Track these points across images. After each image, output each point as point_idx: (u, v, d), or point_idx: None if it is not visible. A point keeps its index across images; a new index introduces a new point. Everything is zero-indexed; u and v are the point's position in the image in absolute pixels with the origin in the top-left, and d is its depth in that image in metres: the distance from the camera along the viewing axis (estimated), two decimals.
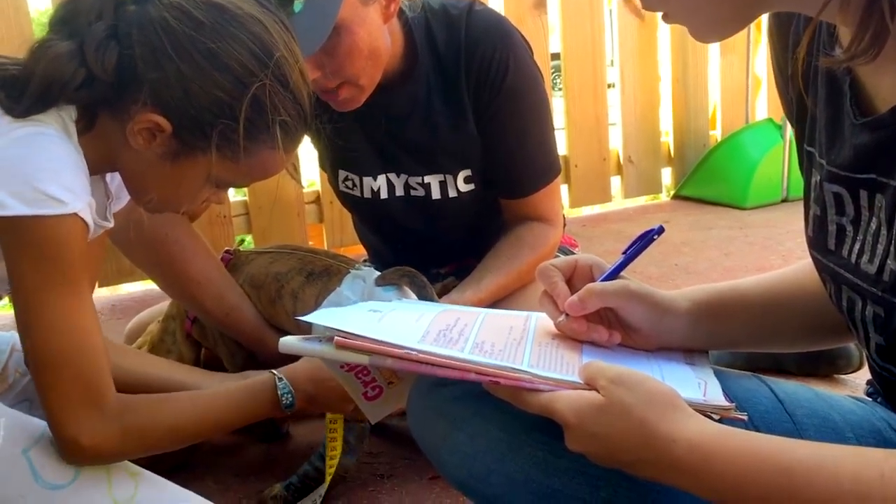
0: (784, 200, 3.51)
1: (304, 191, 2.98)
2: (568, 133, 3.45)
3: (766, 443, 0.68)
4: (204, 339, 1.55)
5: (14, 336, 1.20)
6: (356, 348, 0.79)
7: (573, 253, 1.75)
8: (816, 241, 0.82)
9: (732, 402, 0.76)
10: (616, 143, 3.65)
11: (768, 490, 0.65)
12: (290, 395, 1.13)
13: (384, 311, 1.00)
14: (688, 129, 3.79)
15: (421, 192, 1.59)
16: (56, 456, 0.98)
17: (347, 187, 1.65)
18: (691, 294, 0.93)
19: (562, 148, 3.33)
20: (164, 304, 1.72)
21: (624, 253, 0.91)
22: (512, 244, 1.54)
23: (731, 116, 3.78)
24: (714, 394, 0.78)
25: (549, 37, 3.35)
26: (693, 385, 0.80)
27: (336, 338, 0.80)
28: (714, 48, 3.75)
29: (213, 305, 1.49)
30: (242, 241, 1.68)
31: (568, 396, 0.72)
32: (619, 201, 3.69)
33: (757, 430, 0.85)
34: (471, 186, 1.58)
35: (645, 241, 0.90)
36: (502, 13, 1.76)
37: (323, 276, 1.41)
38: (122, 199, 1.18)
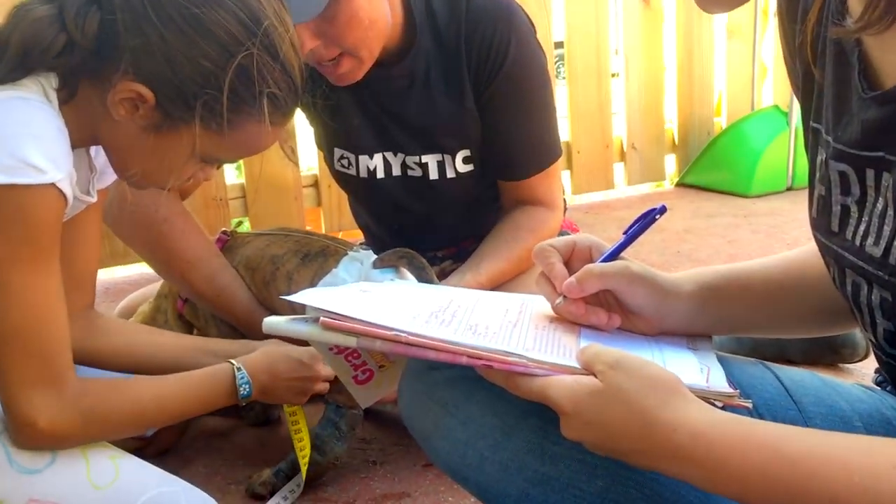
0: (789, 189, 3.48)
1: (302, 174, 2.94)
2: (571, 119, 3.41)
3: (773, 431, 0.65)
4: (195, 319, 1.52)
5: None
6: (344, 329, 0.75)
7: None
8: (820, 223, 0.79)
9: (736, 388, 0.72)
10: (619, 129, 3.61)
11: (774, 481, 0.62)
12: (247, 386, 1.11)
13: (375, 291, 0.96)
14: (692, 116, 3.75)
15: (418, 172, 1.55)
16: None
17: (343, 166, 1.61)
18: (694, 276, 0.89)
19: (565, 134, 3.29)
20: (156, 285, 1.69)
21: (625, 233, 0.87)
22: (511, 228, 1.51)
23: (736, 104, 3.74)
24: (717, 380, 0.75)
25: (552, 23, 3.31)
26: (696, 371, 0.76)
27: (322, 318, 0.76)
28: (720, 35, 3.71)
29: (204, 286, 1.45)
30: (240, 223, 1.66)
31: (563, 382, 0.69)
32: (621, 188, 3.66)
33: (762, 417, 0.82)
34: (469, 167, 1.54)
35: (647, 220, 0.87)
36: None
37: (319, 257, 1.37)
38: (108, 174, 1.14)
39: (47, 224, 0.92)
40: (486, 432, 0.82)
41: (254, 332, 1.45)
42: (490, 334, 0.76)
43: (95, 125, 1.00)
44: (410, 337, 0.73)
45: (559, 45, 3.48)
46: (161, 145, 0.99)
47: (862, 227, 0.72)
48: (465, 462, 0.84)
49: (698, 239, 2.82)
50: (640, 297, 0.85)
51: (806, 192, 0.84)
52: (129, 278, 2.72)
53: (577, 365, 0.71)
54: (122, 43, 0.93)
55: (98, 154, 1.10)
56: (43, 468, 0.96)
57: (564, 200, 1.68)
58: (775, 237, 2.81)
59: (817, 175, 0.80)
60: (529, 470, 0.80)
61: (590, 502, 0.77)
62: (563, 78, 3.50)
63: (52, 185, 0.90)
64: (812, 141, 0.81)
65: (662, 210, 0.87)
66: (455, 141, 1.52)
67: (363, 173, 1.58)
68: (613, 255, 0.86)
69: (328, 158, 1.65)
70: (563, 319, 0.85)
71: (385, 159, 1.56)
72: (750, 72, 3.71)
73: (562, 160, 1.61)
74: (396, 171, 1.57)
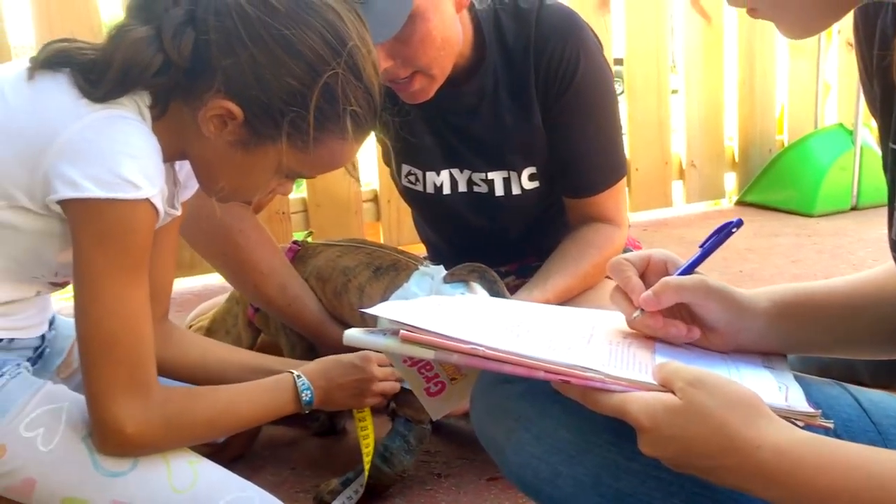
0: (853, 209, 3.40)
1: (362, 189, 2.98)
2: (630, 136, 3.39)
3: (860, 452, 0.65)
4: (266, 327, 1.56)
5: None
6: (422, 342, 0.77)
7: None
8: None
9: (818, 408, 0.72)
10: (679, 147, 3.58)
11: (860, 501, 0.62)
12: (308, 392, 1.14)
13: (450, 305, 0.98)
14: (753, 133, 3.70)
15: (484, 189, 1.57)
16: None
17: (410, 182, 1.63)
18: (769, 294, 0.89)
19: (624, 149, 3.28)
20: (223, 296, 1.73)
21: (701, 246, 0.87)
22: (578, 245, 1.51)
23: (798, 121, 3.69)
24: (796, 399, 0.74)
25: (611, 40, 3.31)
26: (774, 389, 0.76)
27: (402, 331, 0.78)
28: (782, 51, 3.66)
29: (275, 295, 1.49)
30: (311, 233, 1.70)
31: (642, 398, 0.69)
32: (679, 206, 3.62)
33: (840, 438, 0.80)
34: (535, 184, 1.55)
35: (723, 234, 0.87)
36: None
37: (390, 271, 1.40)
38: (190, 187, 1.18)
39: (141, 237, 0.96)
40: (561, 447, 0.83)
41: (322, 341, 1.48)
42: (565, 349, 0.77)
43: (185, 141, 1.04)
44: (488, 351, 0.74)
45: (618, 61, 3.46)
46: (248, 161, 1.02)
47: None
48: (538, 477, 0.84)
49: (761, 258, 2.78)
50: (716, 311, 0.84)
51: (871, 213, 0.84)
52: (192, 289, 2.77)
53: (654, 381, 0.71)
54: (214, 62, 0.97)
55: (181, 168, 1.14)
56: (126, 472, 0.99)
57: (627, 218, 1.68)
58: (840, 258, 2.76)
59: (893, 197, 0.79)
60: (604, 486, 0.80)
61: None
62: (622, 94, 3.49)
63: (147, 200, 0.94)
64: (891, 161, 0.81)
65: (739, 223, 0.87)
66: (521, 158, 1.53)
67: (430, 189, 1.60)
68: (689, 270, 0.86)
69: (396, 175, 1.67)
70: (637, 336, 0.85)
71: (452, 176, 1.58)
72: (813, 89, 3.65)
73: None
74: (463, 188, 1.58)
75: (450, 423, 1.54)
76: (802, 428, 0.69)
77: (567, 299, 1.46)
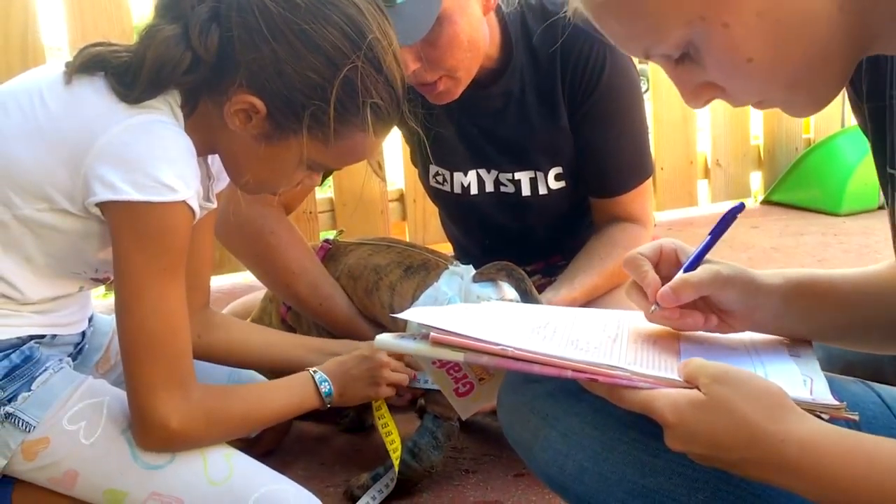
0: (881, 207, 3.38)
1: (389, 189, 3.01)
2: (655, 135, 3.38)
3: (883, 444, 0.66)
4: (298, 325, 1.59)
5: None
6: (452, 345, 0.79)
7: None
8: None
9: (842, 401, 0.73)
10: (704, 146, 3.57)
11: (883, 495, 0.63)
12: (327, 384, 1.19)
13: (478, 308, 1.00)
14: (779, 132, 3.68)
15: (511, 189, 1.59)
16: None
17: (438, 182, 1.66)
18: (785, 273, 0.89)
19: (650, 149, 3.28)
20: (253, 295, 1.77)
21: (710, 234, 0.87)
22: (604, 244, 1.53)
23: (824, 120, 3.67)
24: (821, 392, 0.75)
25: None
26: (799, 382, 0.77)
27: (432, 334, 0.80)
28: None
29: (307, 294, 1.52)
30: (341, 232, 1.73)
31: (668, 394, 0.71)
32: (704, 206, 3.61)
33: None
34: (561, 184, 1.57)
35: (727, 218, 0.87)
36: None
37: (421, 270, 1.42)
38: (223, 179, 1.22)
39: (179, 237, 0.99)
40: (587, 444, 0.84)
41: (353, 339, 1.50)
42: (591, 349, 0.79)
43: (214, 136, 1.07)
44: (517, 352, 0.76)
45: (644, 60, 3.46)
46: (272, 153, 1.05)
47: None
48: (564, 473, 0.86)
49: (787, 257, 2.77)
50: (732, 297, 0.85)
51: None
52: (221, 287, 2.81)
53: (679, 378, 0.73)
54: (238, 57, 0.99)
55: (213, 161, 1.17)
56: (164, 465, 1.02)
57: (653, 217, 1.69)
58: (867, 256, 2.75)
59: (894, 219, 0.80)
60: (629, 482, 0.82)
61: None
62: (648, 93, 3.48)
63: (184, 202, 0.98)
64: (889, 187, 0.82)
65: (741, 207, 0.87)
66: (548, 158, 1.55)
67: (457, 189, 1.62)
68: (700, 257, 0.86)
69: (423, 174, 1.69)
70: (662, 335, 0.86)
71: (479, 176, 1.60)
72: None
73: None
74: (490, 188, 1.61)
75: (477, 421, 1.56)
76: (827, 421, 0.70)
77: (593, 298, 1.48)
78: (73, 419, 1.02)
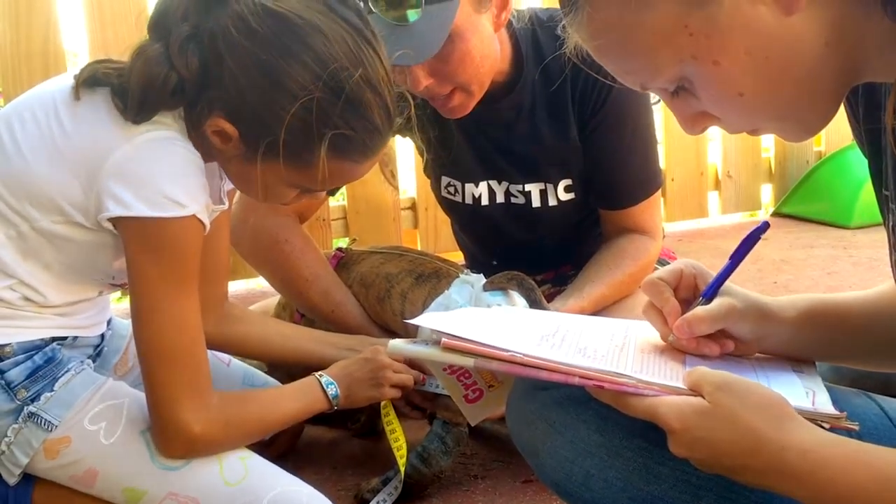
0: None
1: (401, 197, 3.03)
2: (665, 146, 3.39)
3: (882, 453, 0.68)
4: None
5: None
6: (462, 350, 0.81)
7: None
8: None
9: (843, 411, 0.75)
10: (715, 157, 3.58)
11: (881, 501, 0.65)
12: (333, 387, 1.21)
13: (488, 315, 1.02)
14: (790, 144, 3.68)
15: (521, 200, 1.61)
16: None
17: (449, 193, 1.68)
18: (796, 301, 0.92)
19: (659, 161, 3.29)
20: (267, 301, 1.79)
21: (731, 258, 0.90)
22: (613, 255, 1.55)
23: (836, 133, 3.66)
24: (822, 403, 0.78)
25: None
26: (801, 393, 0.79)
27: (443, 340, 0.82)
28: None
29: (319, 301, 1.55)
30: (354, 240, 1.76)
31: (672, 401, 0.73)
32: (714, 217, 3.62)
33: None
34: (571, 195, 1.59)
35: (751, 241, 0.88)
36: None
37: (432, 278, 1.44)
38: None
39: (190, 250, 1.02)
40: (593, 451, 0.86)
41: None
42: (599, 357, 0.81)
43: (212, 150, 1.07)
44: (526, 358, 0.78)
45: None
46: (257, 173, 1.04)
47: None
48: (571, 479, 0.88)
49: (796, 270, 2.78)
50: (747, 329, 0.88)
51: None
52: (236, 293, 2.83)
53: (684, 386, 0.75)
54: (212, 81, 1.01)
55: None
56: (181, 466, 1.05)
57: (662, 228, 1.71)
58: (877, 270, 2.75)
59: (892, 240, 0.82)
60: (634, 489, 0.83)
61: None
62: (658, 104, 3.49)
63: (193, 216, 1.00)
64: (885, 208, 0.84)
65: (765, 227, 0.88)
66: (558, 170, 1.58)
67: (468, 200, 1.65)
68: (718, 285, 0.88)
69: (435, 185, 1.72)
70: (668, 345, 0.89)
71: (490, 187, 1.63)
72: None
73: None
74: (500, 199, 1.63)
75: (486, 427, 1.58)
76: (828, 430, 0.72)
77: (602, 308, 1.50)
78: (94, 419, 1.05)
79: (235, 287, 2.90)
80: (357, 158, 1.07)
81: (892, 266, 0.83)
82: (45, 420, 1.03)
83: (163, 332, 1.01)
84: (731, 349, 0.88)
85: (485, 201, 1.64)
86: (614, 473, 0.85)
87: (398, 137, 1.90)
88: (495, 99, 1.51)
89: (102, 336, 1.22)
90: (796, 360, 0.90)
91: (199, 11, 1.00)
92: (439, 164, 1.67)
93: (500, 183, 1.62)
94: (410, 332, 1.34)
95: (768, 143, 3.68)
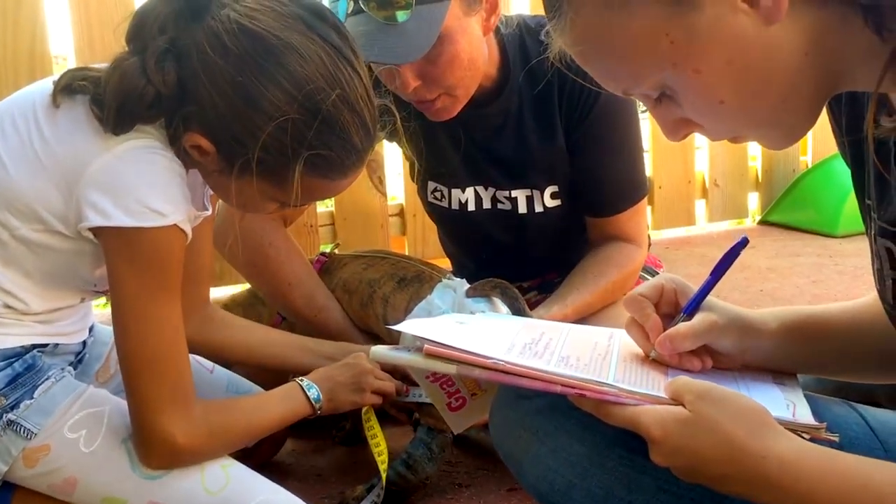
0: None
1: (389, 203, 3.03)
2: (653, 155, 3.41)
3: (860, 464, 0.68)
4: None
5: None
6: (445, 357, 0.81)
7: (657, 273, 1.74)
8: (882, 294, 0.82)
9: (823, 422, 0.75)
10: (702, 165, 3.60)
11: None
12: (315, 390, 1.21)
13: (471, 322, 1.02)
14: (777, 153, 3.70)
15: (508, 206, 1.61)
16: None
17: (436, 198, 1.68)
18: (778, 314, 0.92)
19: (646, 169, 3.29)
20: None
21: (712, 273, 0.90)
22: (598, 262, 1.55)
23: (822, 142, 3.69)
24: (803, 414, 0.78)
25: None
26: (782, 405, 0.80)
27: (426, 346, 0.82)
28: None
29: (302, 305, 1.55)
30: (337, 245, 1.76)
31: (653, 410, 0.73)
32: (702, 225, 3.64)
33: None
34: (557, 202, 1.60)
35: (731, 257, 0.89)
36: None
37: (414, 282, 1.44)
38: None
39: (172, 259, 1.01)
40: (575, 461, 0.86)
41: None
42: (581, 365, 0.81)
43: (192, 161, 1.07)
44: (508, 366, 0.78)
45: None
46: (235, 187, 1.03)
47: None
48: (553, 488, 0.88)
49: (782, 278, 2.79)
50: (728, 343, 0.88)
51: None
52: (220, 300, 2.81)
53: (665, 395, 0.75)
54: (188, 96, 1.00)
55: None
56: (162, 474, 1.04)
57: (649, 236, 1.72)
58: (861, 278, 2.76)
59: (873, 249, 0.83)
60: (616, 498, 0.84)
61: None
62: (645, 111, 3.50)
63: (174, 225, 1.00)
64: (866, 217, 0.84)
65: (744, 243, 0.89)
66: (544, 177, 1.58)
67: (455, 206, 1.65)
68: (700, 299, 0.89)
69: (422, 191, 1.72)
70: None
71: (476, 193, 1.63)
72: None
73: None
74: (487, 205, 1.63)
75: (471, 435, 1.58)
76: (808, 440, 0.72)
77: (586, 315, 1.50)
78: (74, 427, 1.04)
79: (221, 293, 2.89)
80: (334, 177, 1.07)
81: (874, 274, 0.84)
82: (25, 428, 1.02)
83: (144, 342, 1.00)
84: (710, 366, 0.88)
85: (471, 207, 1.64)
86: (596, 482, 0.85)
87: (386, 144, 1.89)
88: (482, 104, 1.51)
89: (84, 343, 1.21)
90: (778, 373, 0.90)
91: (177, 25, 0.99)
92: (425, 170, 1.67)
93: (486, 189, 1.62)
94: (394, 337, 1.34)
95: (755, 152, 3.70)
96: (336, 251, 1.67)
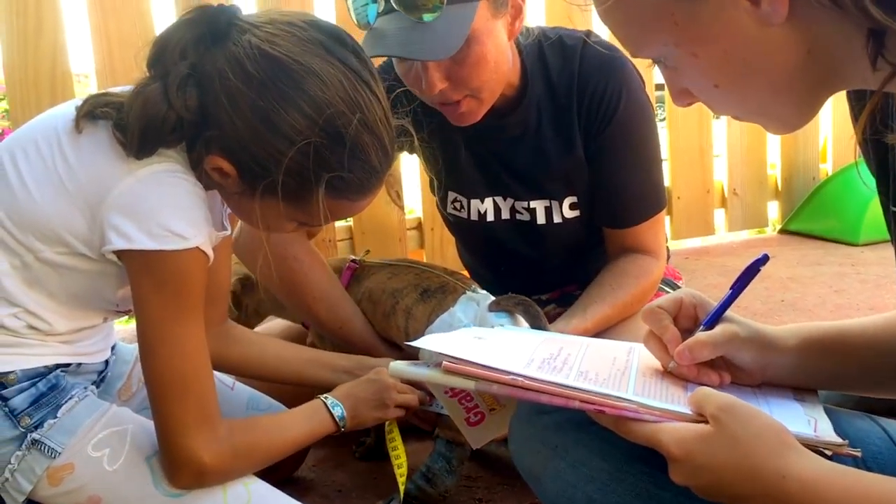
0: None
1: (406, 217, 3.05)
2: (671, 164, 3.41)
3: (882, 483, 0.67)
4: (322, 345, 1.62)
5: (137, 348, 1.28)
6: (464, 373, 0.81)
7: (677, 286, 1.73)
8: None
9: (845, 438, 0.75)
10: (721, 174, 3.58)
11: None
12: (339, 408, 1.22)
13: (489, 337, 1.02)
14: (797, 161, 3.69)
15: (526, 217, 1.62)
16: None
17: (455, 209, 1.69)
18: (799, 330, 0.91)
19: (664, 179, 3.29)
20: (276, 321, 1.80)
21: (731, 288, 0.90)
22: (616, 275, 1.55)
23: (842, 150, 3.67)
24: (824, 430, 0.77)
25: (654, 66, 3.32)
26: (803, 421, 0.79)
27: (445, 362, 0.82)
28: None
29: (327, 318, 1.56)
30: (367, 252, 1.77)
31: (674, 428, 0.73)
32: (721, 234, 3.62)
33: (869, 470, 0.82)
34: (576, 213, 1.60)
35: (751, 273, 0.89)
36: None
37: (437, 293, 1.44)
38: None
39: (195, 281, 1.02)
40: (595, 476, 0.86)
41: None
42: (601, 380, 0.81)
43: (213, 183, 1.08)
44: (527, 381, 0.78)
45: (660, 86, 3.47)
46: (257, 208, 1.04)
47: None
48: (573, 503, 0.88)
49: (803, 287, 2.77)
50: (748, 358, 0.88)
51: None
52: None
53: (686, 411, 0.75)
54: (210, 120, 1.01)
55: None
56: (185, 492, 1.05)
57: (667, 248, 1.71)
58: (885, 287, 2.74)
59: None
60: None
61: None
62: (663, 120, 3.50)
63: (196, 248, 1.01)
64: (893, 225, 0.84)
65: (765, 259, 0.88)
66: (563, 187, 1.58)
67: (474, 216, 1.65)
68: (719, 313, 0.88)
69: (441, 203, 1.73)
70: None
71: (495, 203, 1.63)
72: None
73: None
74: (506, 215, 1.63)
75: (491, 450, 1.57)
76: (830, 457, 0.72)
77: (605, 328, 1.49)
78: (98, 446, 1.05)
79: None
80: (354, 198, 1.08)
81: None
82: (49, 447, 1.03)
83: (170, 364, 1.01)
84: (729, 382, 0.87)
85: (490, 217, 1.64)
86: (616, 498, 0.85)
87: (404, 158, 1.90)
88: (502, 114, 1.52)
89: (106, 362, 1.22)
90: (798, 389, 0.89)
91: (198, 51, 1.01)
92: (445, 181, 1.67)
93: (505, 199, 1.63)
94: (415, 349, 1.34)
95: (774, 160, 3.68)
96: (366, 259, 1.67)
